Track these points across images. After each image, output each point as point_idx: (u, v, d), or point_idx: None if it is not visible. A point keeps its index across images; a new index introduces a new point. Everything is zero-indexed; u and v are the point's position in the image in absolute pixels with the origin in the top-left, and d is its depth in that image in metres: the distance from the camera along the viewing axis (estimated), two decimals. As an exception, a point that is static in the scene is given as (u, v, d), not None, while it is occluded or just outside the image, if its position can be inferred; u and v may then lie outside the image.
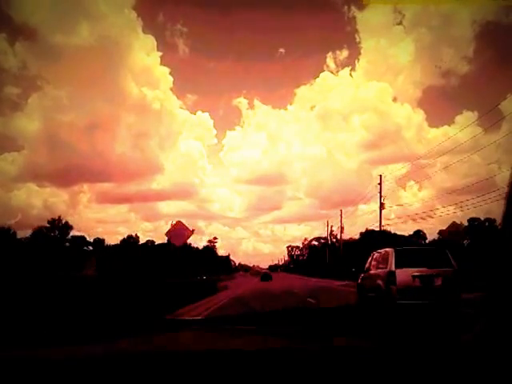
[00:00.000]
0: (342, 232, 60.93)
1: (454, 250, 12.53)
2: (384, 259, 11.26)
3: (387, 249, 11.62)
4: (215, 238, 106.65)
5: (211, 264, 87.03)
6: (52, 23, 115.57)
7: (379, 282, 10.96)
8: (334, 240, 70.74)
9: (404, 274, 10.25)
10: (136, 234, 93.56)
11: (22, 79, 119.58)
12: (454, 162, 40.36)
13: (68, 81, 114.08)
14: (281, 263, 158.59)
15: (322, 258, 73.01)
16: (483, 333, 1.12)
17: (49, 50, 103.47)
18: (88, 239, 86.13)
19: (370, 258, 12.81)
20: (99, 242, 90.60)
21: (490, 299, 1.14)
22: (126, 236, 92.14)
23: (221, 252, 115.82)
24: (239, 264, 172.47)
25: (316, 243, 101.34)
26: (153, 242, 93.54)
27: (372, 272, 12.09)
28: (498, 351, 1.04)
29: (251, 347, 1.47)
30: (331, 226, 71.37)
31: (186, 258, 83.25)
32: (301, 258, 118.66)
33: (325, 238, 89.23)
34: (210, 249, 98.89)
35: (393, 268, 10.42)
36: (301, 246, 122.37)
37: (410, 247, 16.25)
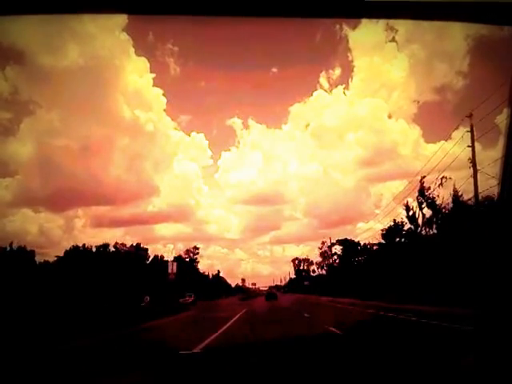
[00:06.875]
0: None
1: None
2: None
3: None
4: (196, 248, 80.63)
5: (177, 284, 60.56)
6: (42, 47, 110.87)
7: None
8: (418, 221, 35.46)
9: None
10: (84, 244, 69.10)
11: (13, 104, 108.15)
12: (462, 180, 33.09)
13: (61, 105, 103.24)
14: (283, 283, 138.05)
15: (369, 265, 44.56)
16: (483, 356, 1.02)
17: (40, 75, 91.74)
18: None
19: None
20: (26, 253, 67.03)
21: (485, 319, 1.04)
22: (70, 247, 67.84)
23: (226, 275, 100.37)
24: (236, 285, 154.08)
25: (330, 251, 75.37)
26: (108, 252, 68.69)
27: None
28: (498, 375, 0.97)
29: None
30: (422, 182, 34.52)
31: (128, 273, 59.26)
32: (318, 270, 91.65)
33: (348, 241, 62.13)
34: (182, 261, 71.98)
35: None
36: (311, 258, 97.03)
37: None
